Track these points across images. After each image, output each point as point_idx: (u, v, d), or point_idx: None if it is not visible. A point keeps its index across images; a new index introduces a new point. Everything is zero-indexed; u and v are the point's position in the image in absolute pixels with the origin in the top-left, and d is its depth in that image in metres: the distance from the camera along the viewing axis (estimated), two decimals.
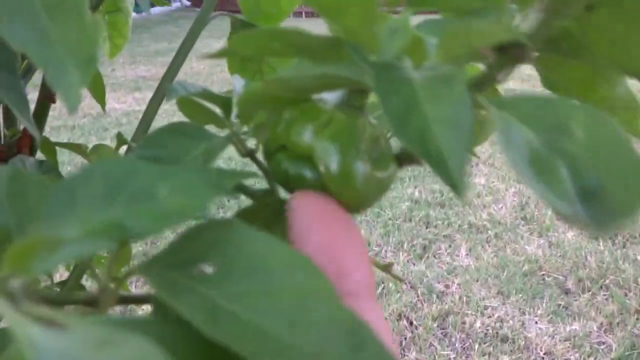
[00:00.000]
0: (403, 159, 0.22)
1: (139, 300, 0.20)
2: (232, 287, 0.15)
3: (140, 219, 0.15)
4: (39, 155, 0.46)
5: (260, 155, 0.24)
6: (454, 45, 0.19)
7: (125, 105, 3.63)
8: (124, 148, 0.44)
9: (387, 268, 0.33)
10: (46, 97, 0.44)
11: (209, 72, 4.53)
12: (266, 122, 0.24)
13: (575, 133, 0.16)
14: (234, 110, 0.27)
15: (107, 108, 3.54)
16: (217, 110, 0.27)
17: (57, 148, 0.50)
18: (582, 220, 0.14)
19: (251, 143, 0.26)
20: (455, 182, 0.15)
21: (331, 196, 0.21)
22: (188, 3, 9.34)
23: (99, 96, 0.55)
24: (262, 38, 0.20)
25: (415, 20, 0.22)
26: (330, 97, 0.22)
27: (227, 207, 2.09)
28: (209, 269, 0.15)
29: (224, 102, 0.26)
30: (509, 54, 0.20)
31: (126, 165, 0.17)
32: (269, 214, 0.23)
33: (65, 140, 2.92)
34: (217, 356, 0.13)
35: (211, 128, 0.27)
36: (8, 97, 0.31)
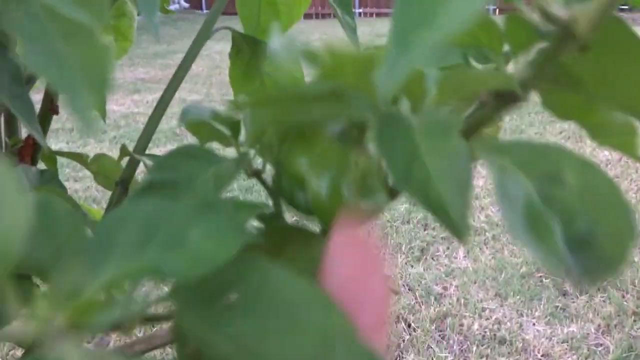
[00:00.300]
0: (393, 194, 0.23)
1: (160, 318, 0.20)
2: (257, 322, 0.16)
3: (174, 264, 0.16)
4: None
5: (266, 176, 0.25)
6: (452, 90, 0.20)
7: (123, 107, 3.63)
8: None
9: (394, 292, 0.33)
10: (49, 109, 0.45)
11: (208, 74, 4.54)
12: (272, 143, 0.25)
13: (568, 180, 0.17)
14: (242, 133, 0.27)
15: (105, 110, 3.54)
16: (224, 130, 0.27)
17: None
18: (574, 274, 0.15)
19: (258, 162, 0.26)
20: (457, 229, 0.16)
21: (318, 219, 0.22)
22: (186, 5, 9.35)
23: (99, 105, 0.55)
24: (266, 100, 0.21)
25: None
26: (332, 127, 0.23)
27: None
28: (233, 302, 0.16)
29: (233, 124, 0.27)
30: (503, 98, 0.21)
31: (160, 209, 0.18)
32: (276, 240, 0.23)
33: (64, 143, 2.93)
34: None
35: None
36: (14, 105, 0.31)
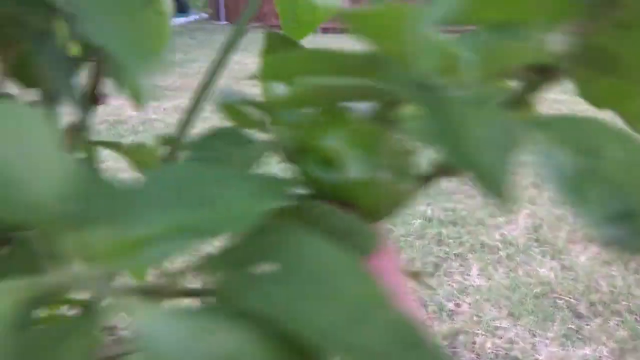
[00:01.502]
0: (427, 178, 0.23)
1: (192, 293, 0.21)
2: (295, 288, 0.16)
3: (207, 222, 0.16)
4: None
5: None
6: (488, 65, 0.20)
7: (142, 113, 3.66)
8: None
9: (416, 275, 0.34)
10: (95, 100, 0.45)
11: (226, 84, 4.55)
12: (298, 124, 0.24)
13: (608, 155, 0.17)
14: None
15: (124, 115, 3.58)
16: (257, 114, 0.28)
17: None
18: (616, 244, 0.15)
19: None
20: (501, 191, 0.16)
21: (349, 201, 0.22)
22: (206, 15, 9.44)
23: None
24: (299, 60, 0.21)
25: None
26: (362, 107, 0.23)
27: None
28: (271, 270, 0.16)
29: (265, 108, 0.27)
30: (542, 73, 0.20)
31: (192, 171, 0.18)
32: (308, 220, 0.23)
33: None
34: (285, 349, 0.15)
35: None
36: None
